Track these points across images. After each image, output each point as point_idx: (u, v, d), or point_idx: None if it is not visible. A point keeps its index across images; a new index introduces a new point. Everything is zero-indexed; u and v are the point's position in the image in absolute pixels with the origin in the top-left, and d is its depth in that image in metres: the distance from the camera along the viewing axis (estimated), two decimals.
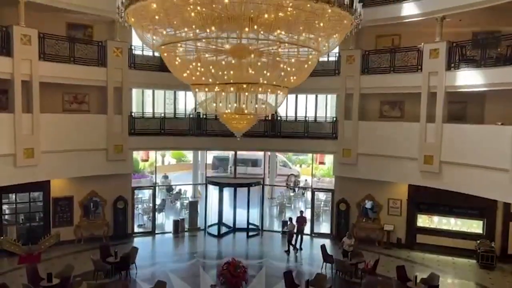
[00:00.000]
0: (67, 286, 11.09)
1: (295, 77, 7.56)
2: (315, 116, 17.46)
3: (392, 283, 11.47)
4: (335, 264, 13.16)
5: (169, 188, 22.18)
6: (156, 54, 16.53)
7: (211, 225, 18.16)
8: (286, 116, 17.62)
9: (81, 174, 14.95)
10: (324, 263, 13.59)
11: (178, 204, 21.18)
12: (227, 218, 18.02)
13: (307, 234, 17.27)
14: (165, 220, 19.36)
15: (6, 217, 14.90)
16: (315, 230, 17.81)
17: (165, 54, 7.37)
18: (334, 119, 16.51)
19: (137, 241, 16.38)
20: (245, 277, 10.49)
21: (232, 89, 7.43)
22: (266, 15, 6.19)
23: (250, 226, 18.04)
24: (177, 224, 17.48)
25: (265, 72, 6.98)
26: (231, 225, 18.11)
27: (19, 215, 15.10)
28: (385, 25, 15.09)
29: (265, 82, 7.12)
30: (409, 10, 14.23)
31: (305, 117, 17.21)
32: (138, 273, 13.03)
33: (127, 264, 12.63)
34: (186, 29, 6.57)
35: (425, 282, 11.53)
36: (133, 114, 16.00)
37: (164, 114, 17.19)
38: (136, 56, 15.83)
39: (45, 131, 13.44)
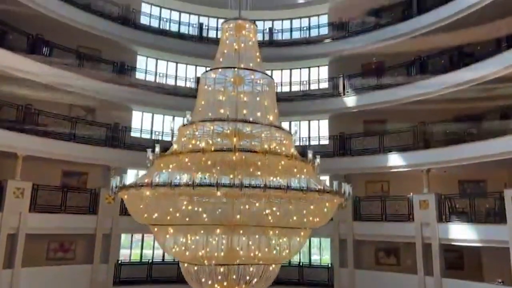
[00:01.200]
0: None
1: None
2: (309, 262, 16.89)
3: None
4: None
5: None
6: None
7: None
8: None
9: None
10: None
11: None
12: None
13: None
14: None
15: None
16: None
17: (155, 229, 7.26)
18: (330, 265, 15.96)
19: None
20: None
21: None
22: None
23: None
24: None
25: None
26: None
27: None
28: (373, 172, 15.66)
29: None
30: (394, 161, 14.83)
31: (299, 262, 16.65)
32: None
33: None
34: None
35: None
36: (119, 261, 15.36)
37: (152, 259, 16.47)
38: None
39: (25, 286, 12.67)
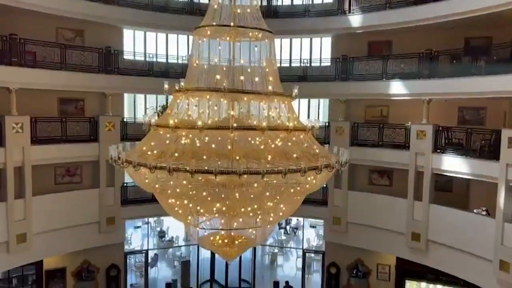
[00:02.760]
0: None
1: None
2: None
3: None
4: None
5: (162, 235, 22.32)
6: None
7: (204, 283, 18.40)
8: None
9: (74, 249, 15.05)
10: None
11: (170, 253, 21.39)
12: (220, 272, 18.23)
13: None
14: (158, 273, 19.54)
15: None
16: None
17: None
18: (325, 185, 16.77)
19: None
20: None
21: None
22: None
23: (243, 285, 18.28)
24: (169, 287, 17.64)
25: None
26: (224, 283, 18.34)
27: None
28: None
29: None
30: (396, 89, 14.52)
31: None
32: None
33: None
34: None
35: None
36: (125, 184, 16.09)
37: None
38: (129, 127, 15.95)
39: (38, 213, 13.52)
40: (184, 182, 6.58)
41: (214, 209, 7.13)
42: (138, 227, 22.16)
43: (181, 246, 20.40)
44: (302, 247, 19.46)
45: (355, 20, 15.51)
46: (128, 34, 16.63)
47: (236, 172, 6.08)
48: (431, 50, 13.78)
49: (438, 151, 13.61)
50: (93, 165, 15.37)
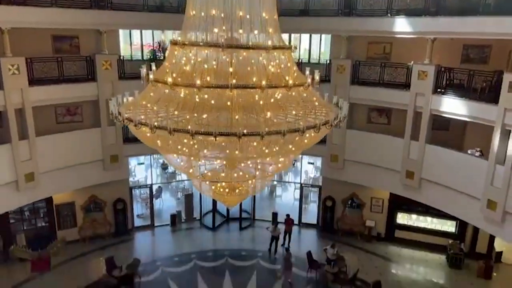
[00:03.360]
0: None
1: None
2: None
3: None
4: (320, 273, 14.64)
5: (165, 167, 23.05)
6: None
7: (207, 213, 19.41)
8: None
9: (80, 186, 15.66)
10: (310, 269, 15.05)
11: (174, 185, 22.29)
12: (222, 203, 19.11)
13: (296, 224, 18.64)
14: (163, 204, 20.56)
15: (13, 225, 15.86)
16: (303, 221, 19.16)
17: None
18: None
19: (138, 236, 17.74)
20: None
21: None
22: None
23: (243, 215, 19.28)
24: (174, 218, 18.68)
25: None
26: (225, 214, 19.37)
27: (25, 223, 16.08)
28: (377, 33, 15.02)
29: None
30: (401, 26, 14.03)
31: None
32: (142, 281, 14.41)
33: (131, 280, 13.94)
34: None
35: None
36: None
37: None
38: (126, 65, 15.67)
39: (43, 153, 13.87)
40: (185, 140, 6.71)
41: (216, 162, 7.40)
42: (142, 163, 22.75)
43: (183, 180, 21.13)
44: (300, 181, 20.18)
45: None
46: None
47: (236, 134, 6.18)
48: None
49: (439, 92, 13.55)
50: (93, 104, 15.39)
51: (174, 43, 7.04)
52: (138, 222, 18.72)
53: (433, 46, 13.56)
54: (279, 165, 8.00)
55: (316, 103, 7.52)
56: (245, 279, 14.83)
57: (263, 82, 6.59)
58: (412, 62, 14.22)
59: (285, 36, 15.06)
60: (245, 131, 6.32)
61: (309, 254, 15.21)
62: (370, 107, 16.45)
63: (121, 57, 15.56)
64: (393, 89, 14.76)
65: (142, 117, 6.89)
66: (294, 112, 7.13)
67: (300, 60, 16.94)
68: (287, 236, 17.13)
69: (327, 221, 18.31)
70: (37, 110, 13.65)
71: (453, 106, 13.12)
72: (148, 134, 7.16)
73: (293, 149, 7.37)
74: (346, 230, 17.97)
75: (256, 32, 7.02)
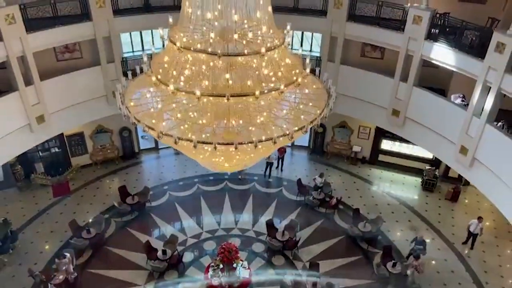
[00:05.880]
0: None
1: None
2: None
3: None
4: (307, 198, 16.70)
5: None
6: None
7: None
8: None
9: (88, 121, 16.70)
10: (299, 193, 17.08)
11: None
12: None
13: (289, 146, 20.25)
14: None
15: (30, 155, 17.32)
16: (295, 143, 20.70)
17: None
18: (318, 58, 17.26)
19: (144, 160, 19.46)
20: (237, 257, 12.80)
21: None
22: None
23: None
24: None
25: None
26: None
27: (40, 153, 17.53)
28: None
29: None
30: None
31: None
32: (153, 204, 16.51)
33: (143, 205, 15.99)
34: None
35: (372, 221, 15.32)
36: (124, 59, 16.53)
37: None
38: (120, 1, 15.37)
39: (50, 95, 14.60)
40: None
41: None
42: None
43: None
44: None
45: None
46: None
47: (233, 144, 7.18)
48: None
49: (431, 39, 13.78)
50: (92, 44, 15.52)
51: (171, 41, 7.54)
52: (143, 145, 20.23)
53: None
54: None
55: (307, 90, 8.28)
56: (243, 201, 16.95)
57: (257, 93, 7.31)
58: (409, 4, 14.09)
59: None
60: (239, 141, 7.32)
61: (299, 181, 17.09)
62: (364, 42, 16.63)
63: None
64: (388, 29, 14.84)
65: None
66: (284, 111, 7.98)
67: None
68: (280, 161, 18.85)
69: (317, 144, 19.90)
70: (38, 58, 13.93)
71: (443, 55, 13.52)
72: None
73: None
74: (335, 153, 19.67)
75: (250, 34, 7.44)
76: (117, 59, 16.15)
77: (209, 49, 7.10)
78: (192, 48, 7.19)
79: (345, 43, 16.33)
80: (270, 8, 7.53)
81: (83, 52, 15.97)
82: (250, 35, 7.45)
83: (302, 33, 18.40)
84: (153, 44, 17.73)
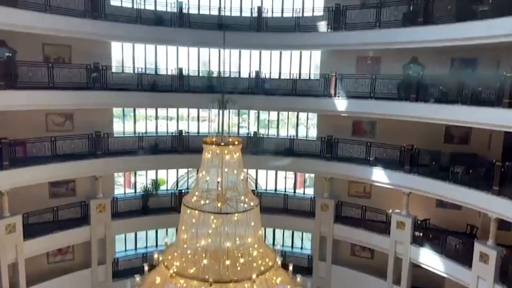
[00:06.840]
0: None
1: None
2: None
3: None
4: None
5: None
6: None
7: None
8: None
9: None
10: None
11: None
12: None
13: None
14: None
15: None
16: None
17: None
18: (309, 257, 17.36)
19: None
20: None
21: None
22: None
23: None
24: None
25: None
26: None
27: None
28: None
29: None
30: (379, 176, 15.05)
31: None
32: None
33: None
34: None
35: None
36: (116, 258, 16.56)
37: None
38: (119, 203, 16.34)
39: None
40: None
41: None
42: None
43: None
44: None
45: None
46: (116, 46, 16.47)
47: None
48: (412, 146, 14.34)
49: (416, 243, 14.27)
50: (85, 243, 15.73)
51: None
52: None
53: (409, 198, 14.49)
54: None
55: None
56: None
57: None
58: (391, 210, 15.10)
59: None
60: None
61: None
62: (353, 243, 17.08)
63: (114, 197, 16.23)
64: (375, 233, 15.46)
65: None
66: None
67: None
68: None
69: None
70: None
71: (431, 260, 13.77)
72: None
73: None
74: None
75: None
76: (108, 260, 16.11)
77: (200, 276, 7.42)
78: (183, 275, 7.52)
79: (334, 242, 16.76)
80: (260, 232, 8.13)
81: (75, 254, 16.04)
82: (242, 260, 7.80)
83: (293, 232, 18.98)
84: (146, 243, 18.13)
